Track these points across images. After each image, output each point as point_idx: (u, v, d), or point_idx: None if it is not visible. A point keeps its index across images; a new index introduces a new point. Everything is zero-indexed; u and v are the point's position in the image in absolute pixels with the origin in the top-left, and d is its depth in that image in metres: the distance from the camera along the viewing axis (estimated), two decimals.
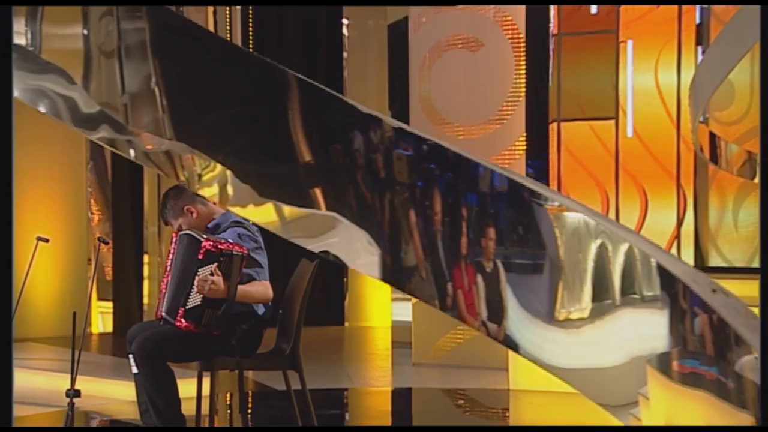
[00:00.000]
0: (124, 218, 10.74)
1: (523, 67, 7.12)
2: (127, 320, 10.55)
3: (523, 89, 7.13)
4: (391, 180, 1.80)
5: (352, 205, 1.82)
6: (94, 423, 5.70)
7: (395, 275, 1.81)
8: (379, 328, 10.23)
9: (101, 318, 10.72)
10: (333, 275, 10.87)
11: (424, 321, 7.42)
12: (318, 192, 1.84)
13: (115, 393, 6.00)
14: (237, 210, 1.90)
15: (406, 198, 1.82)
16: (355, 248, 1.85)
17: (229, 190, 1.85)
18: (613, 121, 10.41)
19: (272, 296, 4.27)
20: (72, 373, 3.81)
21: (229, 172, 1.85)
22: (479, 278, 1.94)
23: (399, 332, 7.80)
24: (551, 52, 7.35)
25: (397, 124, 1.82)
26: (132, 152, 1.92)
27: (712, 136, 7.44)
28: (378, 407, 6.21)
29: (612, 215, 9.87)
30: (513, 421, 5.90)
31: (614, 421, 2.39)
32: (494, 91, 7.19)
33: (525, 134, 7.20)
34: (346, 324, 10.85)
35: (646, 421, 2.02)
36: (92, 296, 9.98)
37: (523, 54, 7.12)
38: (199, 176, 1.90)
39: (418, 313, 7.47)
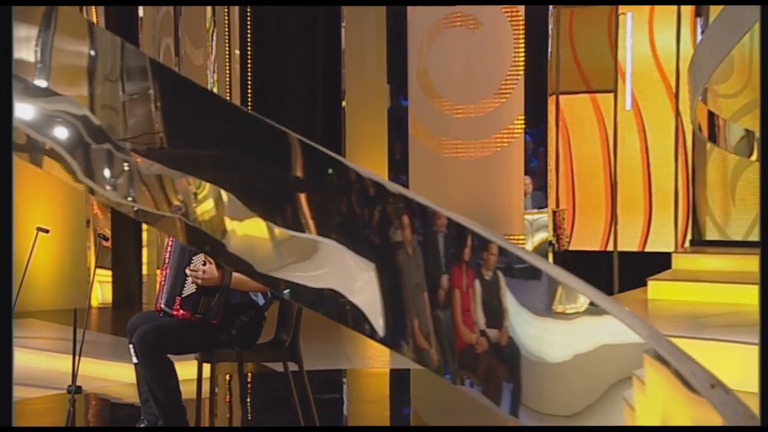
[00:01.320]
0: None
1: (522, 46, 7.09)
2: (126, 290, 10.60)
3: (522, 68, 7.11)
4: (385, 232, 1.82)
5: (343, 233, 1.85)
6: (96, 405, 5.75)
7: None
8: None
9: (100, 288, 10.75)
10: None
11: None
12: (309, 217, 1.86)
13: (115, 375, 6.05)
14: (236, 224, 1.92)
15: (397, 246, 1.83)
16: (348, 265, 1.87)
17: (224, 205, 1.87)
18: (611, 94, 10.42)
19: None
20: (73, 369, 3.84)
21: (222, 191, 1.87)
22: (477, 283, 1.98)
23: None
24: (550, 30, 7.31)
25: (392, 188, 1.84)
26: (126, 166, 1.94)
27: (711, 115, 7.44)
28: (376, 390, 6.26)
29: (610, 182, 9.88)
30: None
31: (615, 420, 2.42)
32: (493, 70, 7.17)
33: (524, 109, 7.16)
34: None
35: (640, 406, 2.05)
36: (93, 274, 10.00)
37: (522, 33, 7.09)
38: (195, 195, 1.91)
39: None
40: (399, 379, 6.40)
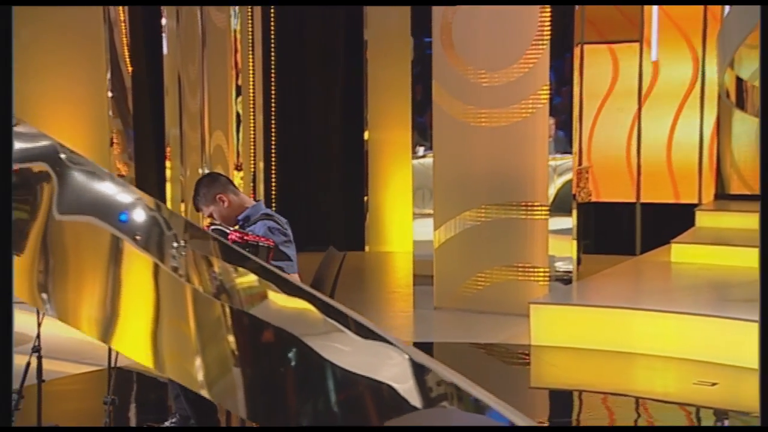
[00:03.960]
0: (145, 122, 10.75)
1: (548, 14, 6.98)
2: None
3: (548, 36, 7.01)
4: None
5: None
6: (127, 384, 5.86)
7: None
8: (399, 253, 10.34)
9: None
10: (354, 194, 10.94)
11: (446, 266, 7.53)
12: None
13: None
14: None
15: None
16: None
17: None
18: (637, 44, 10.28)
19: None
20: (109, 381, 3.92)
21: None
22: None
23: (421, 266, 7.86)
24: None
25: None
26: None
27: (739, 80, 7.35)
28: None
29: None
30: (534, 376, 6.04)
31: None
32: (518, 38, 7.09)
33: (549, 49, 7.01)
34: (367, 248, 10.94)
35: None
36: None
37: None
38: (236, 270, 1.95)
39: (440, 258, 7.57)
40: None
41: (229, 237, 4.20)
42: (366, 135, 10.89)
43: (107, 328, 1.72)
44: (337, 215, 11.00)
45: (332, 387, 1.91)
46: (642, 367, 5.92)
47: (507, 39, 7.12)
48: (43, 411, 4.31)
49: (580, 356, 6.04)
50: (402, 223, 10.19)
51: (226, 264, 1.81)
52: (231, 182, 4.53)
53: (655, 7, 9.99)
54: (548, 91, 7.08)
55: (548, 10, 7.00)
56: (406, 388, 1.98)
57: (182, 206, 9.69)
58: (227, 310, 1.85)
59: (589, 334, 6.11)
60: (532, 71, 7.08)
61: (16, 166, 1.59)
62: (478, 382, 5.80)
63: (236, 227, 4.30)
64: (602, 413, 5.15)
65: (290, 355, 1.87)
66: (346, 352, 1.94)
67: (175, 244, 1.84)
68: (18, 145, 1.62)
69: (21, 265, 1.68)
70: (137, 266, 1.77)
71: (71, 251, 1.73)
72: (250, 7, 8.87)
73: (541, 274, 7.21)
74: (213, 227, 4.33)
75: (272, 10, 9.23)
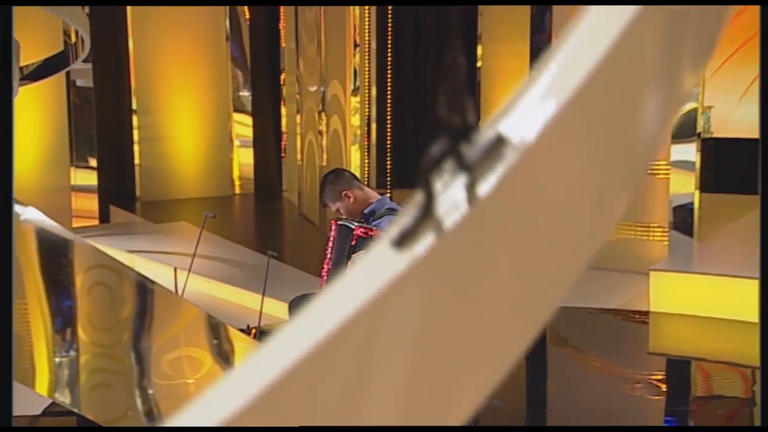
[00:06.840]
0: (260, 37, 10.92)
1: None
2: (266, 176, 10.91)
3: None
4: None
5: None
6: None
7: None
8: None
9: (239, 153, 10.94)
10: None
11: None
12: None
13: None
14: None
15: None
16: None
17: None
18: None
19: None
20: None
21: None
22: None
23: None
24: None
25: None
26: None
27: None
28: None
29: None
30: (652, 344, 6.06)
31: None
32: None
33: None
34: None
35: None
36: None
37: None
38: None
39: None
40: None
41: (354, 232, 4.32)
42: (479, 62, 10.76)
43: None
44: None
45: None
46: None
47: None
48: None
49: (701, 324, 6.02)
50: None
51: None
52: (355, 177, 4.63)
53: None
54: None
55: None
56: None
57: (297, 118, 9.80)
58: None
59: (710, 303, 6.07)
60: None
61: None
62: (595, 349, 5.83)
63: (361, 221, 4.41)
64: (720, 383, 5.18)
65: None
66: None
67: None
68: None
69: None
70: None
71: None
72: None
73: (661, 232, 7.13)
74: (339, 222, 4.45)
75: None
